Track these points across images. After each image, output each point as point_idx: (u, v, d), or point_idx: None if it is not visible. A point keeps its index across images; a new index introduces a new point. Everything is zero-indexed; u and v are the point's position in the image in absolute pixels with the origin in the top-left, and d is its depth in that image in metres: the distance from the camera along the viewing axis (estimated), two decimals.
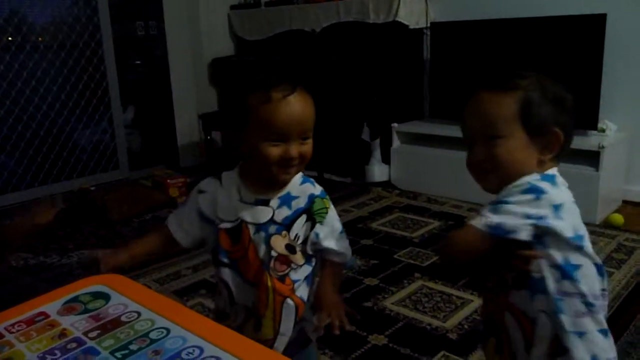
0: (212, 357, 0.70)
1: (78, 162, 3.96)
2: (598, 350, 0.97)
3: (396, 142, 3.62)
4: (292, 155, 1.05)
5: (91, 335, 0.75)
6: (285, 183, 1.13)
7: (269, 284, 1.10)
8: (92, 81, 3.95)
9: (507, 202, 0.92)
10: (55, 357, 0.71)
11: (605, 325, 0.99)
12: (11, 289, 1.42)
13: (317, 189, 1.16)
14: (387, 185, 3.63)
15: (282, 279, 1.12)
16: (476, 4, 3.47)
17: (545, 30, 3.06)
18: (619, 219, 2.83)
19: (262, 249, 1.10)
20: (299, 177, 1.16)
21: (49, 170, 3.80)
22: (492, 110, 0.97)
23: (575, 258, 0.96)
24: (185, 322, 0.77)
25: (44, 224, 1.47)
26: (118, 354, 0.72)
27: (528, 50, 3.09)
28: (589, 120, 2.97)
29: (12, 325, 0.78)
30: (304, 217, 1.12)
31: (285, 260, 1.11)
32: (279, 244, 1.10)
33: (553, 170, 0.99)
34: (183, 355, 0.71)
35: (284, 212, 1.11)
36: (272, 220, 1.11)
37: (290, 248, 1.11)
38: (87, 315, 0.79)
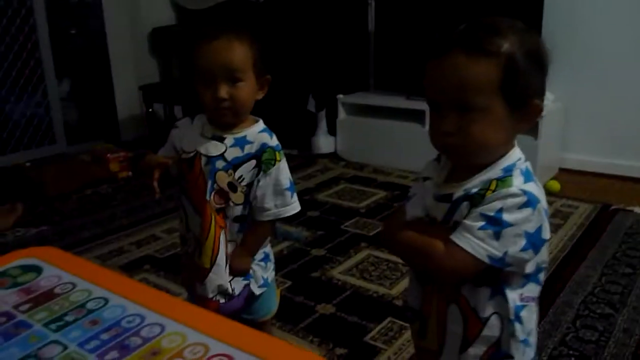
0: (154, 324, 0.68)
1: (11, 137, 3.76)
2: (531, 352, 0.93)
3: (342, 114, 3.62)
4: (220, 95, 1.12)
5: (22, 308, 0.71)
6: (229, 126, 1.20)
7: (212, 214, 1.19)
8: (24, 51, 3.74)
9: (506, 224, 0.81)
10: None
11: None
12: None
13: (273, 141, 1.22)
14: (334, 156, 3.64)
15: (217, 211, 1.20)
16: None
17: (487, 1, 3.09)
18: (555, 185, 2.94)
19: (208, 181, 1.18)
20: (259, 126, 1.23)
21: None
22: (470, 78, 0.81)
23: (544, 260, 0.91)
24: (124, 290, 0.74)
25: (2, 230, 1.43)
26: (52, 326, 0.68)
27: (470, 21, 3.12)
28: None
29: None
30: (252, 163, 1.19)
31: (224, 195, 1.19)
32: (222, 179, 1.18)
33: (517, 151, 0.89)
34: (123, 324, 0.69)
35: (235, 152, 1.19)
36: (222, 156, 1.18)
37: (231, 186, 1.19)
38: (17, 289, 0.75)
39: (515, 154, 0.88)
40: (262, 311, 1.35)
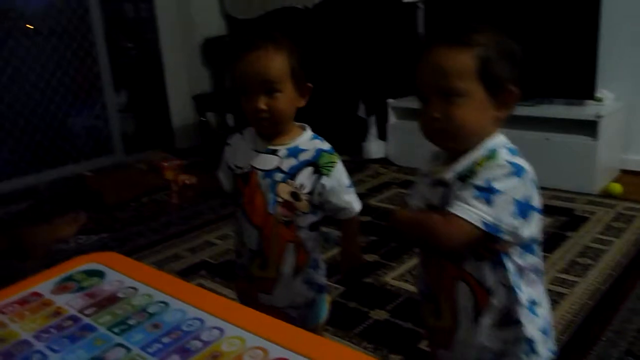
0: (213, 327, 0.69)
1: (73, 148, 3.92)
2: (544, 323, 0.99)
3: (392, 118, 3.59)
4: (258, 106, 1.13)
5: (87, 312, 0.73)
6: (278, 136, 1.20)
7: (273, 228, 1.19)
8: (84, 66, 3.89)
9: (496, 191, 0.88)
10: (50, 335, 0.69)
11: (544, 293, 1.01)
12: (5, 273, 1.40)
13: (326, 145, 1.23)
14: (385, 161, 3.61)
15: (287, 224, 1.20)
16: None
17: (539, 2, 3.01)
18: (617, 188, 2.82)
19: (268, 195, 1.19)
20: (309, 133, 1.24)
21: (43, 157, 3.76)
22: (450, 66, 0.91)
23: (537, 231, 0.96)
24: (184, 295, 0.75)
25: (66, 238, 1.49)
26: (116, 329, 0.70)
27: (524, 20, 3.05)
28: (586, 90, 2.94)
29: (5, 306, 0.76)
30: (310, 169, 1.19)
31: (289, 206, 1.19)
32: (284, 190, 1.18)
33: (502, 136, 0.97)
34: (183, 327, 0.70)
35: (290, 162, 1.19)
36: (278, 169, 1.19)
37: (295, 196, 1.19)
38: (82, 293, 0.77)
39: (499, 137, 0.96)
40: (312, 318, 1.34)
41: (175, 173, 3.45)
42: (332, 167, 1.21)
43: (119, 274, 0.81)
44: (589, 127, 2.81)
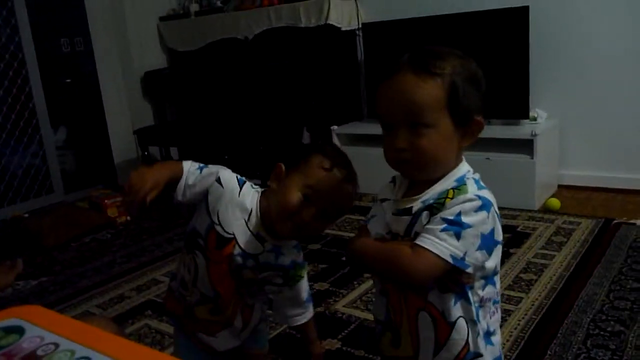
0: None
1: (9, 189, 3.77)
2: (498, 350, 1.00)
3: (337, 144, 3.61)
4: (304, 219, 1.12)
5: None
6: (283, 237, 1.19)
7: (228, 287, 1.20)
8: (18, 103, 3.77)
9: (466, 225, 0.88)
10: None
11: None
12: None
13: (301, 257, 1.25)
14: None
15: (238, 288, 1.23)
16: (405, 3, 3.53)
17: (472, 24, 3.12)
18: (556, 203, 2.91)
19: (234, 268, 1.19)
20: (293, 242, 1.24)
21: None
22: (419, 96, 0.89)
23: (498, 262, 0.97)
24: (109, 349, 0.71)
25: (3, 288, 1.43)
26: None
27: (457, 46, 3.14)
28: (521, 110, 3.05)
29: None
30: (279, 273, 1.22)
31: (241, 283, 1.22)
32: (247, 275, 1.20)
33: (465, 164, 0.97)
34: None
35: (268, 257, 1.19)
36: (256, 257, 1.18)
37: (250, 282, 1.22)
38: None
39: (465, 167, 0.97)
40: (260, 343, 1.41)
41: (119, 210, 3.37)
42: (297, 280, 1.24)
43: (40, 328, 0.76)
44: (526, 146, 2.90)
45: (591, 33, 3.06)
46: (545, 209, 2.91)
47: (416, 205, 0.94)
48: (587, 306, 1.94)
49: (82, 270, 2.72)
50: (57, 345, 0.72)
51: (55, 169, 3.99)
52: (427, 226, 0.90)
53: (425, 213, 0.92)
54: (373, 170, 3.42)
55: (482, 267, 0.91)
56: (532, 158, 2.88)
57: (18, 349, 0.72)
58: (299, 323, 1.29)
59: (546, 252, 2.39)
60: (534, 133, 2.87)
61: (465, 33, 3.13)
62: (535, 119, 3.09)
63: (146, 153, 3.90)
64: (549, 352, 1.69)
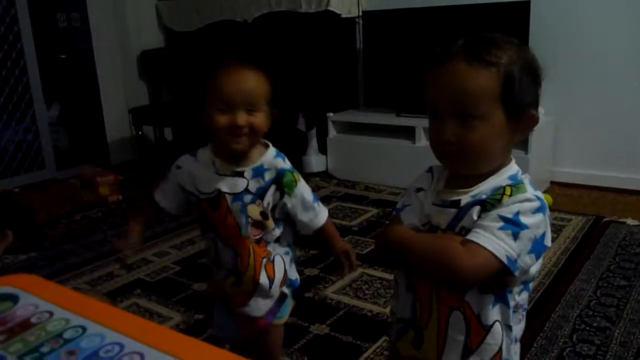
0: (133, 352, 0.65)
1: (0, 163, 3.74)
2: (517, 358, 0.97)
3: (332, 132, 3.62)
4: (239, 123, 1.16)
5: None
6: (240, 153, 1.21)
7: (250, 248, 1.24)
8: (12, 77, 3.73)
9: (524, 226, 0.82)
10: None
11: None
12: None
13: (287, 165, 1.26)
14: (325, 175, 3.63)
15: (257, 242, 1.25)
16: None
17: (473, 17, 3.12)
18: (548, 199, 2.92)
19: (240, 216, 1.22)
20: (273, 151, 1.26)
21: None
22: (472, 85, 0.83)
23: (538, 269, 0.91)
24: (104, 318, 0.71)
25: None
26: (27, 358, 0.65)
27: (458, 37, 3.14)
28: None
29: None
30: (274, 187, 1.23)
31: (259, 225, 1.24)
32: (254, 211, 1.22)
33: (514, 163, 0.92)
34: (101, 353, 0.66)
35: (257, 183, 1.22)
36: (246, 190, 1.22)
37: (264, 215, 1.24)
38: None
39: (515, 166, 0.91)
40: (274, 317, 1.36)
41: (110, 188, 3.35)
42: (294, 185, 1.24)
43: (35, 297, 0.76)
44: (521, 141, 2.90)
45: (590, 32, 3.07)
46: None
47: (465, 198, 0.88)
48: (575, 301, 1.96)
49: (72, 247, 2.70)
50: (51, 313, 0.71)
51: (48, 145, 3.96)
52: (482, 222, 0.84)
53: (477, 208, 0.86)
54: (367, 158, 3.46)
55: (527, 272, 0.87)
56: (527, 153, 2.89)
57: (12, 316, 0.71)
58: (317, 226, 1.31)
59: None
60: None
61: (465, 25, 3.12)
62: None
63: (140, 132, 3.88)
64: (535, 345, 1.71)
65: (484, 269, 0.82)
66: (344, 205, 3.08)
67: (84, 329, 0.69)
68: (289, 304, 1.37)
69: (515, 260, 0.82)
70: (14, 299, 0.75)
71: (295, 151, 3.67)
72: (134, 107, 4.02)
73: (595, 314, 1.88)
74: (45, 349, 0.66)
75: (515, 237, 0.82)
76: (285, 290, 1.33)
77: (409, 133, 3.18)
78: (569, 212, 2.81)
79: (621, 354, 1.65)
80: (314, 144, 3.66)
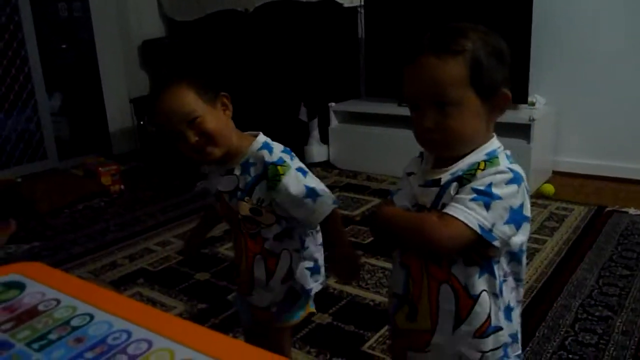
0: (141, 339, 0.66)
1: (2, 153, 3.74)
2: (516, 328, 1.00)
3: (334, 122, 3.61)
4: (191, 142, 1.13)
5: (4, 327, 0.69)
6: (218, 159, 1.19)
7: (243, 243, 1.26)
8: (13, 67, 3.72)
9: (495, 196, 0.86)
10: None
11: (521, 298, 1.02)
12: None
13: (273, 156, 1.19)
14: (327, 165, 3.62)
15: (253, 236, 1.24)
16: None
17: (476, 6, 3.10)
18: (550, 189, 2.93)
19: (234, 213, 1.23)
20: (259, 143, 1.22)
21: None
22: (442, 75, 0.88)
23: (526, 240, 0.95)
24: (111, 306, 0.71)
25: None
26: (35, 345, 0.66)
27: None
28: (520, 95, 3.04)
29: None
30: (264, 182, 1.19)
31: (252, 221, 1.22)
32: (244, 208, 1.21)
33: (496, 141, 0.96)
34: (109, 340, 0.66)
35: (245, 179, 1.21)
36: (238, 187, 1.21)
37: (255, 211, 1.21)
38: (0, 307, 0.72)
39: (496, 142, 0.96)
40: (284, 316, 1.32)
41: (113, 178, 3.36)
42: (278, 179, 1.16)
43: (42, 285, 0.76)
44: (523, 131, 2.90)
45: (594, 23, 3.05)
46: (539, 195, 2.92)
47: (445, 176, 0.93)
48: (577, 291, 1.96)
49: (74, 237, 2.71)
50: (58, 301, 0.72)
51: (50, 134, 3.96)
52: (457, 196, 0.89)
53: (454, 184, 0.91)
54: (369, 148, 3.45)
55: (509, 243, 0.90)
56: (529, 143, 2.89)
57: (19, 303, 0.72)
58: (315, 223, 1.21)
59: (538, 236, 2.41)
60: (531, 118, 2.87)
61: (468, 14, 3.10)
62: (533, 104, 3.09)
63: (142, 122, 3.88)
64: (537, 334, 1.72)
65: (459, 238, 0.87)
66: (346, 195, 3.09)
67: (91, 316, 0.70)
68: (303, 308, 1.32)
69: (490, 230, 0.86)
70: (20, 286, 0.76)
71: (297, 141, 3.67)
72: (136, 97, 4.02)
73: (598, 303, 1.88)
74: (53, 336, 0.67)
75: (487, 207, 0.86)
76: (296, 287, 1.28)
77: (410, 123, 3.16)
78: (571, 202, 2.81)
79: (623, 342, 1.66)
80: (315, 134, 3.65)
